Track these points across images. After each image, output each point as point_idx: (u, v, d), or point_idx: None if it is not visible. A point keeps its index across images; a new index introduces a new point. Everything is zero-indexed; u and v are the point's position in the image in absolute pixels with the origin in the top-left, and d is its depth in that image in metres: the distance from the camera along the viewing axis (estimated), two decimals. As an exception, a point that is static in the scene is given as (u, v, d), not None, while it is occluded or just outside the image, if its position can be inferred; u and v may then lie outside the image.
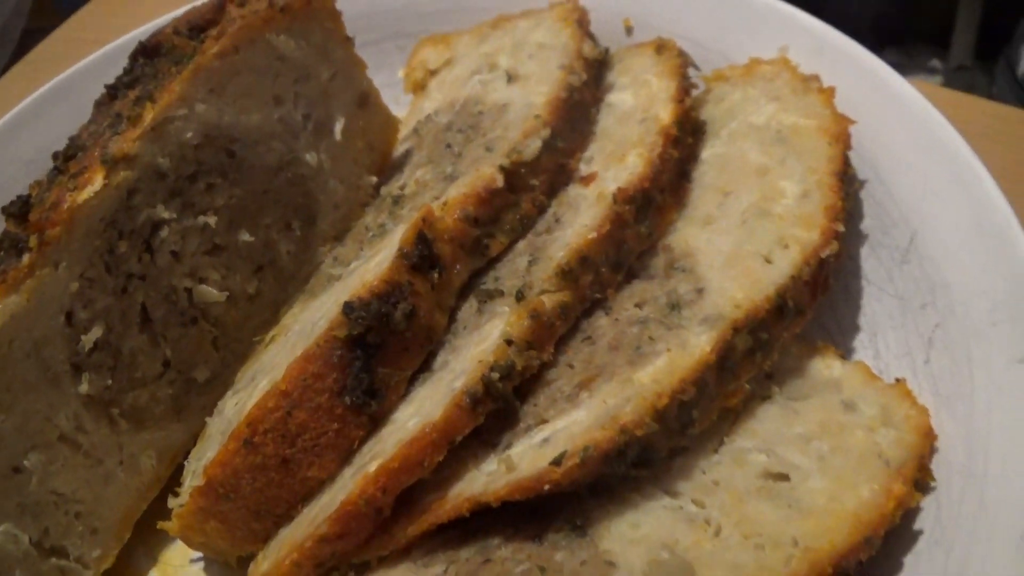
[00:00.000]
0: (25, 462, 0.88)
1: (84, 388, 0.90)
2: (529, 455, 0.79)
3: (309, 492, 0.86)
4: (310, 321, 0.91)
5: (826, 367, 0.88)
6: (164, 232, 0.90)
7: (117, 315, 0.90)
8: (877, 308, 0.94)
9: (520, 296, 0.85)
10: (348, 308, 0.82)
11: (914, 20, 2.33)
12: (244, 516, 0.87)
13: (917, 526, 0.80)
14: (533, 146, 0.93)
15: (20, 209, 0.86)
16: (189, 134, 0.89)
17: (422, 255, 0.85)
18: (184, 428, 1.00)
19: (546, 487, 0.76)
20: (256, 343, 1.00)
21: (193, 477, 0.94)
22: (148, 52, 0.97)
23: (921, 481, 0.79)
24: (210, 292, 0.95)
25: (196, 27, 0.95)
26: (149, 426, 0.97)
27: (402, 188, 1.00)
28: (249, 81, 0.92)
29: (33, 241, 0.83)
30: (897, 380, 0.86)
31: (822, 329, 0.93)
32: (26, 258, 0.83)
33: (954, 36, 2.32)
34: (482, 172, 0.91)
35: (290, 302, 1.00)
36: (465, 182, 0.91)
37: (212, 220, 0.92)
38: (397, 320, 0.83)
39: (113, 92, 0.96)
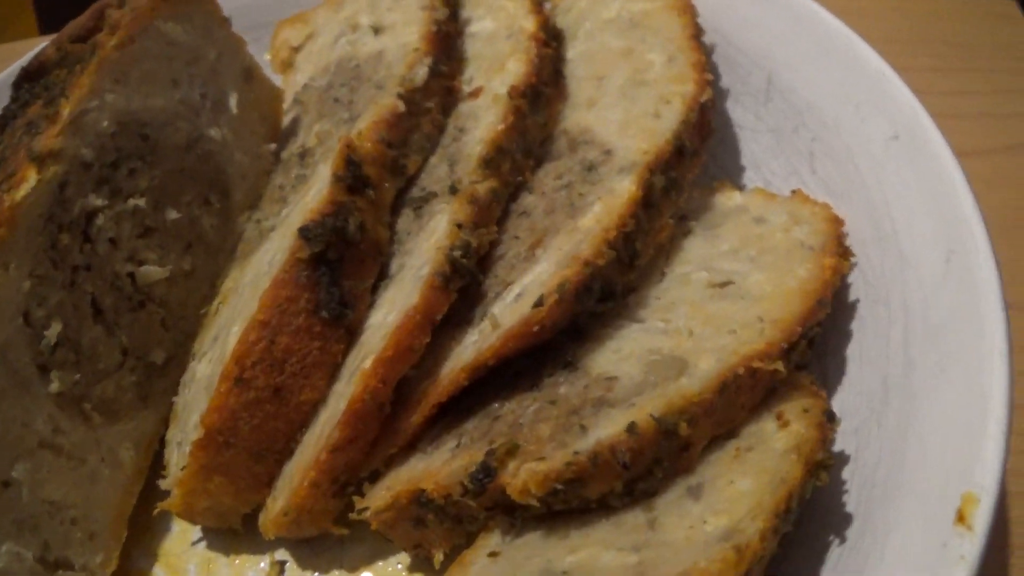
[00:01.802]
0: (13, 474, 0.88)
1: (55, 387, 0.92)
2: (509, 310, 0.88)
3: (305, 418, 0.91)
4: (258, 271, 0.97)
5: (728, 199, 1.01)
6: (99, 220, 0.94)
7: (71, 309, 0.93)
8: (755, 147, 1.08)
9: (454, 190, 0.94)
10: (304, 231, 0.88)
11: None
12: (246, 461, 0.91)
13: (853, 296, 0.92)
14: (421, 72, 1.02)
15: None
16: (105, 123, 0.94)
17: (354, 176, 0.92)
18: (153, 414, 1.03)
19: (534, 329, 0.85)
20: (203, 315, 1.04)
21: (178, 452, 0.97)
22: (32, 75, 1.00)
23: (844, 256, 0.91)
24: (152, 271, 0.98)
25: (80, 38, 1.00)
26: (121, 417, 0.99)
27: (302, 146, 1.08)
28: (148, 67, 0.98)
29: None
30: (793, 192, 1.00)
31: (713, 178, 1.06)
32: None
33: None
34: (382, 103, 1.00)
35: (224, 272, 1.05)
36: (370, 114, 0.99)
37: (141, 202, 0.97)
38: (351, 232, 0.90)
39: (3, 123, 0.98)
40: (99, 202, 0.94)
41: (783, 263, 0.91)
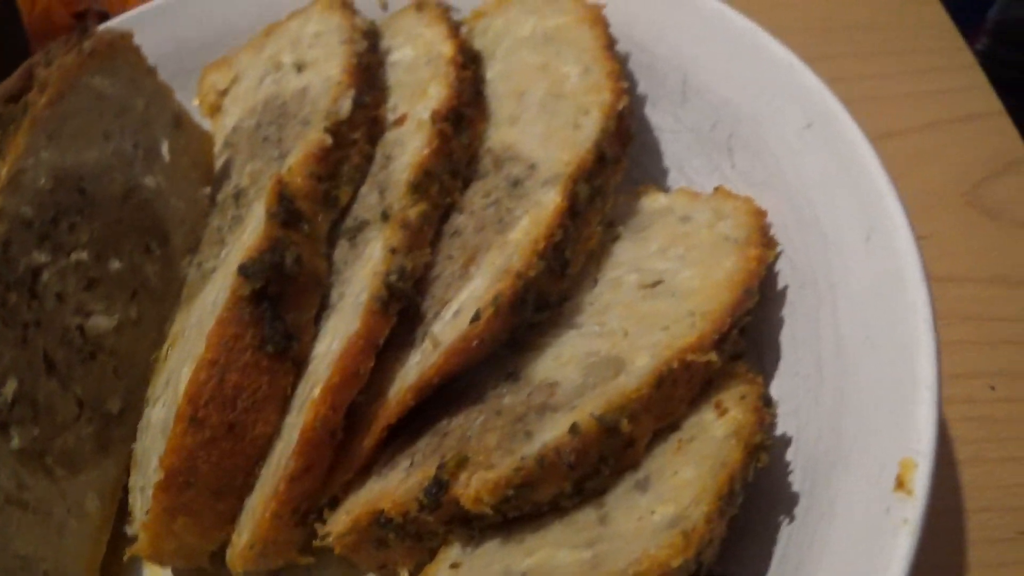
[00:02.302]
0: None
1: (15, 443, 0.93)
2: (448, 327, 0.90)
3: (261, 451, 0.93)
4: (203, 312, 0.99)
5: (654, 201, 1.04)
6: (45, 276, 0.96)
7: (25, 366, 0.94)
8: (675, 147, 1.11)
9: (385, 216, 0.98)
10: (243, 269, 0.91)
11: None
12: (208, 500, 0.93)
13: (781, 283, 0.96)
14: (345, 105, 1.05)
15: None
16: (42, 180, 0.95)
17: (288, 211, 0.95)
18: (114, 462, 1.04)
19: (473, 344, 0.88)
20: (153, 361, 1.06)
21: (142, 497, 0.99)
22: None
23: (768, 246, 0.95)
24: (101, 322, 1.00)
25: (10, 98, 1.02)
26: (83, 467, 1.01)
27: (236, 187, 1.10)
28: (79, 122, 1.00)
29: None
30: (715, 189, 1.04)
31: (637, 182, 1.10)
32: None
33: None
34: (310, 138, 1.03)
35: (170, 317, 1.08)
36: (299, 150, 1.02)
37: (83, 255, 0.99)
38: (289, 267, 0.92)
39: None
40: (43, 258, 0.96)
41: (710, 258, 0.95)
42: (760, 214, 0.98)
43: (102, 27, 1.08)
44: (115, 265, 1.03)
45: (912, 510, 0.72)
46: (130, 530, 1.00)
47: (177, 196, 1.09)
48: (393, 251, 0.93)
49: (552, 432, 0.81)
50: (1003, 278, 1.14)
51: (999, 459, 1.04)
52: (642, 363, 0.85)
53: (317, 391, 0.89)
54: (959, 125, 1.26)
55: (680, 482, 0.80)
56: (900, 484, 0.74)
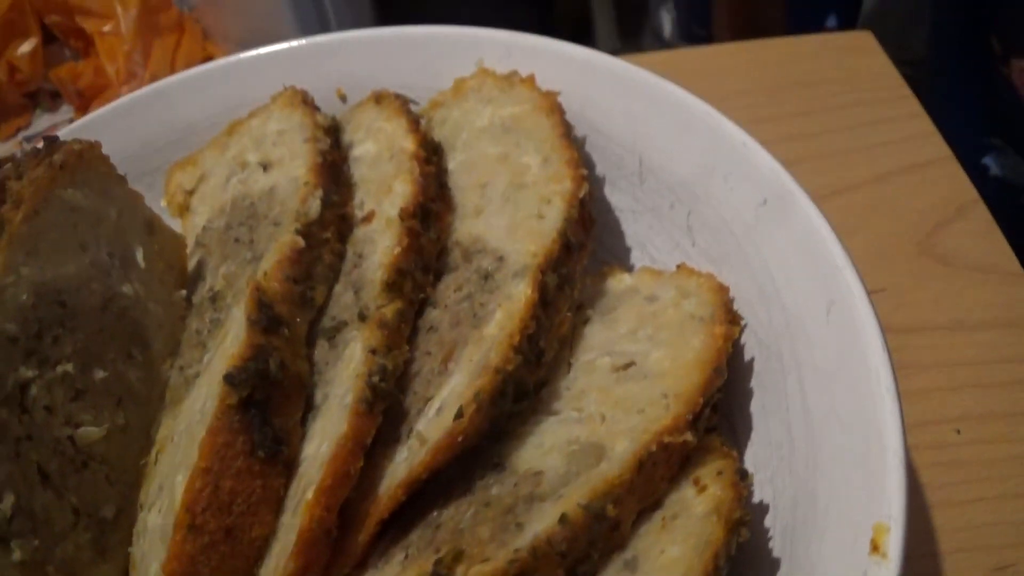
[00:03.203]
0: None
1: (16, 556, 0.98)
2: (433, 425, 0.98)
3: (259, 552, 0.99)
4: (191, 419, 1.07)
5: (619, 282, 1.13)
6: (33, 390, 1.01)
7: (20, 479, 1.00)
8: (636, 227, 1.20)
9: (363, 316, 1.05)
10: (229, 378, 0.98)
11: (552, 29, 2.75)
12: (210, 602, 1.01)
13: (748, 355, 1.05)
14: (314, 206, 1.13)
15: None
16: (24, 296, 1.01)
17: (268, 317, 1.03)
18: (113, 567, 1.10)
19: (459, 440, 0.96)
20: (143, 466, 1.13)
21: (142, 602, 1.07)
22: None
23: (732, 322, 1.04)
24: (90, 431, 1.07)
25: None
26: (83, 574, 1.06)
27: (211, 289, 1.18)
28: (56, 237, 1.06)
29: None
30: (678, 267, 1.13)
31: (602, 262, 1.19)
32: None
33: (595, 29, 2.72)
34: (282, 241, 1.11)
35: (156, 421, 1.15)
36: (271, 254, 1.10)
37: (69, 367, 1.05)
38: (273, 372, 1.00)
39: None
40: (30, 373, 1.01)
41: (678, 338, 1.03)
42: (723, 290, 1.07)
43: (68, 136, 1.15)
44: (100, 374, 1.09)
45: (887, 572, 0.80)
46: (132, 637, 1.07)
47: (154, 301, 1.16)
48: (373, 352, 1.01)
49: (542, 523, 0.89)
50: (960, 323, 1.24)
51: (969, 500, 1.13)
52: (621, 448, 0.94)
53: (311, 493, 0.96)
54: (909, 175, 1.36)
55: (667, 561, 0.88)
56: (875, 548, 0.82)
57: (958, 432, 1.18)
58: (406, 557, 0.97)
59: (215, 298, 1.16)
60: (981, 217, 1.32)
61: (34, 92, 2.05)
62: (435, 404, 1.00)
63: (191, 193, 1.30)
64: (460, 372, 1.00)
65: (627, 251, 1.22)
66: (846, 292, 0.96)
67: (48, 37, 2.06)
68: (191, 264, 1.23)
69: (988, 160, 2.12)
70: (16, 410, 1.01)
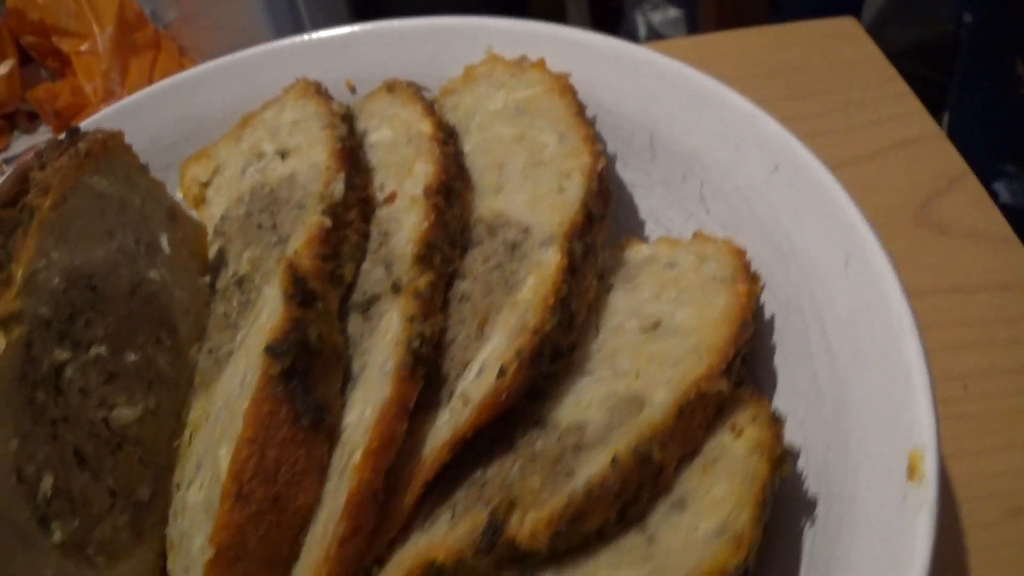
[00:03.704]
0: None
1: (58, 537, 1.01)
2: (475, 385, 1.03)
3: (304, 521, 1.04)
4: (230, 395, 1.11)
5: (637, 252, 1.19)
6: (67, 372, 1.05)
7: (58, 461, 1.03)
8: (650, 200, 1.27)
9: (396, 288, 1.11)
10: (271, 350, 1.02)
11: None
12: (258, 572, 1.03)
13: (768, 314, 1.11)
14: (338, 188, 1.18)
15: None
16: (56, 280, 1.05)
17: (302, 292, 1.07)
18: (150, 548, 1.14)
19: (502, 398, 1.01)
20: (176, 448, 1.17)
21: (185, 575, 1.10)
22: None
23: (753, 281, 1.10)
24: (124, 413, 1.10)
25: (7, 203, 1.13)
26: (122, 556, 1.10)
27: (235, 274, 1.22)
28: (83, 223, 1.09)
29: None
30: (694, 234, 1.19)
31: (617, 236, 1.24)
32: None
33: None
34: (310, 222, 1.16)
35: (187, 404, 1.19)
36: (299, 235, 1.15)
37: (102, 349, 1.09)
38: (313, 343, 1.04)
39: None
40: (64, 355, 1.05)
41: (701, 298, 1.10)
42: (740, 253, 1.14)
43: (91, 126, 1.20)
44: (131, 357, 1.13)
45: (927, 494, 0.86)
46: (174, 615, 1.11)
47: (180, 287, 1.21)
48: (411, 320, 1.06)
49: (593, 468, 0.94)
50: (960, 286, 1.32)
51: (980, 451, 1.21)
52: (661, 398, 0.99)
53: (358, 456, 1.00)
54: (900, 150, 1.45)
55: (715, 498, 0.94)
56: (912, 474, 0.88)
57: (965, 388, 1.25)
58: (453, 516, 1.02)
59: (241, 282, 1.20)
60: (972, 188, 1.41)
61: (11, 114, 2.08)
62: (475, 367, 1.05)
63: (206, 185, 1.35)
64: (497, 335, 1.06)
65: (641, 224, 1.28)
66: (862, 244, 1.04)
67: (24, 58, 2.10)
68: (211, 252, 1.28)
69: (998, 186, 2.21)
70: (52, 392, 1.05)
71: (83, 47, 2.04)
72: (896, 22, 2.97)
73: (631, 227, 1.29)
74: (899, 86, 1.54)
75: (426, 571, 0.99)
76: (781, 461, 0.95)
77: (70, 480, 1.06)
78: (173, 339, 1.19)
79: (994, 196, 1.39)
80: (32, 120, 2.05)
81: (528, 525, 0.93)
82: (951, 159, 1.42)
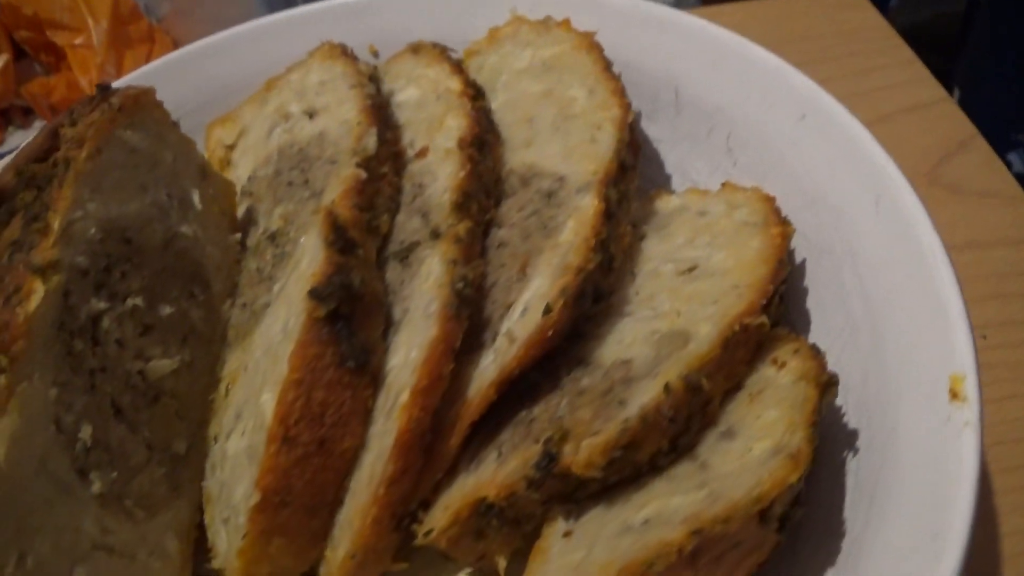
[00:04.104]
0: None
1: (96, 488, 1.02)
2: (520, 324, 1.05)
3: (349, 465, 1.05)
4: (270, 343, 1.12)
5: (667, 203, 1.22)
6: (104, 323, 1.06)
7: (95, 411, 1.03)
8: (676, 154, 1.29)
9: (436, 234, 1.12)
10: (315, 293, 1.03)
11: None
12: (302, 518, 1.05)
13: (799, 258, 1.14)
14: (371, 142, 1.19)
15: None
16: (92, 231, 1.05)
17: (343, 239, 1.09)
18: (187, 502, 1.15)
19: (548, 334, 1.03)
20: (211, 402, 1.18)
21: (226, 528, 1.10)
22: None
23: (785, 224, 1.14)
24: (161, 364, 1.11)
25: (39, 159, 1.14)
26: (160, 509, 1.11)
27: (266, 231, 1.24)
28: (117, 176, 1.10)
29: (3, 360, 0.93)
30: (723, 184, 1.22)
31: (644, 191, 1.27)
32: (2, 379, 0.93)
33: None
34: (345, 174, 1.17)
35: (220, 359, 1.20)
36: (336, 186, 1.17)
37: (138, 300, 1.09)
38: (357, 287, 1.05)
39: None
40: (101, 305, 1.05)
41: (735, 241, 1.12)
42: (770, 199, 1.16)
43: (123, 84, 1.21)
44: (166, 311, 1.13)
45: (971, 412, 0.90)
46: (216, 562, 1.10)
47: (212, 243, 1.21)
48: (453, 263, 1.08)
49: (645, 396, 0.96)
50: (974, 243, 1.36)
51: (1001, 398, 1.24)
52: (705, 331, 1.02)
53: (406, 396, 1.02)
54: (910, 115, 1.49)
55: (766, 422, 0.96)
56: (954, 395, 0.92)
57: (984, 338, 1.29)
58: (499, 456, 1.03)
59: (274, 237, 1.22)
60: (982, 149, 1.45)
61: (6, 109, 2.08)
62: (518, 307, 1.07)
63: (231, 148, 1.36)
64: (540, 276, 1.07)
65: (667, 178, 1.31)
66: (892, 185, 1.07)
67: (18, 53, 2.10)
68: (239, 212, 1.29)
69: (1012, 156, 2.26)
70: (89, 342, 1.05)
71: (78, 41, 2.05)
72: (904, 4, 3.03)
73: (658, 181, 1.31)
74: (906, 53, 1.58)
75: (475, 509, 1.01)
76: (829, 385, 0.97)
77: (108, 431, 1.06)
78: (206, 294, 1.20)
79: (1008, 166, 1.43)
80: (27, 115, 2.06)
81: (584, 452, 0.95)
82: (960, 122, 1.47)
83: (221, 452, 1.14)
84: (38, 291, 0.98)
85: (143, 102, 1.18)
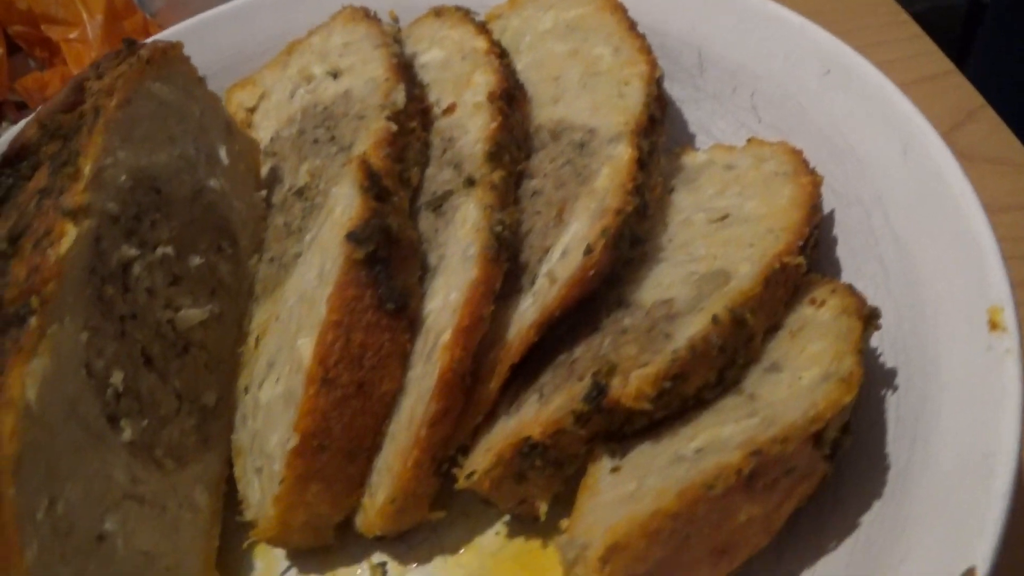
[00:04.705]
0: (106, 526, 0.98)
1: (127, 435, 1.02)
2: (561, 265, 1.06)
3: (387, 409, 1.06)
4: (303, 290, 1.11)
5: (694, 158, 1.23)
6: (135, 270, 1.06)
7: (126, 358, 1.03)
8: (699, 113, 1.31)
9: (470, 182, 1.13)
10: (353, 236, 1.03)
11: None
12: (340, 462, 1.05)
13: (827, 208, 1.15)
14: (399, 97, 1.20)
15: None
16: (122, 178, 1.05)
17: (377, 186, 1.10)
18: (216, 456, 1.15)
19: (590, 274, 1.03)
20: (239, 355, 1.18)
21: (259, 478, 1.10)
22: (13, 159, 1.11)
23: (814, 174, 1.16)
24: (193, 313, 1.11)
25: (64, 109, 1.14)
26: (189, 461, 1.11)
27: (292, 187, 1.24)
28: (147, 126, 1.11)
29: (35, 301, 0.93)
30: (748, 140, 1.24)
31: (668, 150, 1.29)
32: (33, 320, 0.93)
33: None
34: (375, 127, 1.18)
35: (248, 313, 1.20)
36: (366, 138, 1.16)
37: (168, 250, 1.10)
38: (394, 231, 1.06)
39: None
40: (132, 252, 1.06)
41: (766, 190, 1.13)
42: (797, 152, 1.18)
43: (151, 40, 1.22)
44: (195, 262, 1.14)
45: (1011, 341, 0.91)
46: (248, 514, 1.11)
47: (238, 198, 1.21)
48: (490, 208, 1.09)
49: (693, 327, 0.97)
50: (986, 207, 1.38)
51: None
52: (745, 270, 1.03)
53: (447, 336, 1.02)
54: (917, 87, 1.52)
55: (812, 354, 0.97)
56: (994, 325, 0.93)
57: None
58: (541, 397, 1.04)
59: (302, 192, 1.22)
60: (990, 119, 1.48)
61: (-1, 104, 2.07)
62: (557, 250, 1.08)
63: (252, 110, 1.36)
64: (578, 220, 1.08)
65: (691, 137, 1.33)
66: (919, 133, 1.09)
67: (11, 48, 2.08)
68: (263, 171, 1.29)
69: None
70: (120, 289, 1.05)
71: (72, 35, 2.04)
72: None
73: (682, 141, 1.33)
74: (912, 28, 1.61)
75: (518, 450, 1.00)
76: (871, 317, 0.99)
77: (138, 379, 1.06)
78: (233, 248, 1.20)
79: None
80: (21, 110, 2.04)
81: (634, 383, 0.95)
82: (968, 93, 1.50)
83: (253, 402, 1.14)
84: (69, 233, 0.98)
85: (171, 56, 1.18)
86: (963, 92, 1.50)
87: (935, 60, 1.55)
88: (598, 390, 0.97)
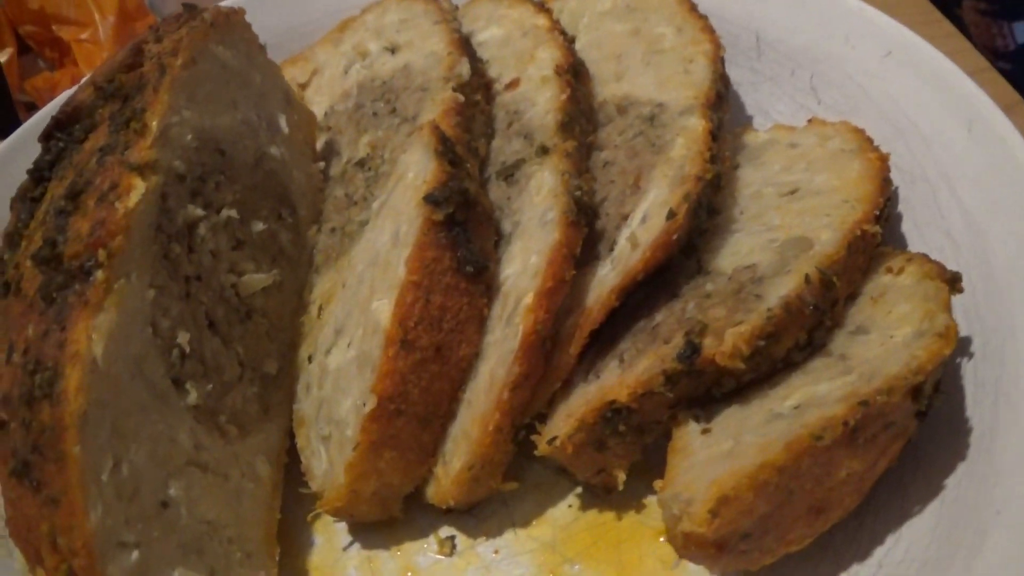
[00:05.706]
0: (170, 492, 0.97)
1: (192, 398, 1.01)
2: (642, 229, 1.06)
3: (463, 375, 1.06)
4: (374, 256, 1.10)
5: (755, 138, 1.24)
6: (200, 231, 1.05)
7: (191, 320, 1.02)
8: (758, 96, 1.33)
9: (543, 151, 1.13)
10: (431, 198, 1.03)
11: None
12: (415, 429, 1.05)
13: (896, 180, 1.17)
14: (464, 69, 1.20)
15: (51, 251, 0.94)
16: (188, 137, 1.05)
17: (451, 151, 1.09)
18: (276, 426, 1.14)
19: (672, 238, 1.03)
20: (300, 324, 1.17)
21: (325, 448, 1.09)
22: (65, 123, 1.09)
23: (880, 152, 1.16)
24: (257, 278, 1.11)
25: (124, 70, 1.11)
26: (252, 430, 1.10)
27: (351, 159, 1.24)
28: (210, 88, 1.10)
29: (103, 255, 0.92)
30: (809, 120, 1.25)
31: (727, 131, 1.30)
32: (100, 274, 0.92)
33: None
34: (442, 97, 1.18)
35: (308, 283, 1.19)
36: (433, 108, 1.17)
37: (233, 212, 1.09)
38: (472, 194, 1.06)
39: (38, 176, 1.06)
40: (197, 212, 1.05)
41: (835, 166, 1.15)
42: (860, 131, 1.19)
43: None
44: (257, 227, 1.13)
45: None
46: (314, 485, 1.10)
47: (297, 168, 1.21)
48: (567, 174, 1.09)
49: (784, 287, 0.98)
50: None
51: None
52: (827, 236, 1.04)
53: (529, 299, 1.02)
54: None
55: (900, 315, 0.98)
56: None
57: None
58: (621, 362, 1.04)
59: (363, 163, 1.22)
60: (1025, 114, 1.52)
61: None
62: (637, 216, 1.08)
63: (304, 86, 1.36)
64: (657, 187, 1.09)
65: (749, 119, 1.34)
66: (984, 110, 1.12)
67: (22, 48, 2.05)
68: (319, 144, 1.29)
69: None
70: (185, 249, 1.04)
71: (83, 36, 2.01)
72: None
73: (740, 122, 1.34)
74: (947, 27, 1.64)
75: (601, 414, 1.00)
76: (955, 280, 1.01)
77: (202, 342, 1.05)
78: (293, 218, 1.20)
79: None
80: (30, 110, 2.00)
81: (729, 341, 0.95)
82: (1004, 90, 1.52)
83: (319, 370, 1.13)
84: (138, 187, 0.97)
85: (234, 20, 1.18)
86: (999, 88, 1.53)
87: (971, 57, 1.58)
88: (692, 349, 0.97)
